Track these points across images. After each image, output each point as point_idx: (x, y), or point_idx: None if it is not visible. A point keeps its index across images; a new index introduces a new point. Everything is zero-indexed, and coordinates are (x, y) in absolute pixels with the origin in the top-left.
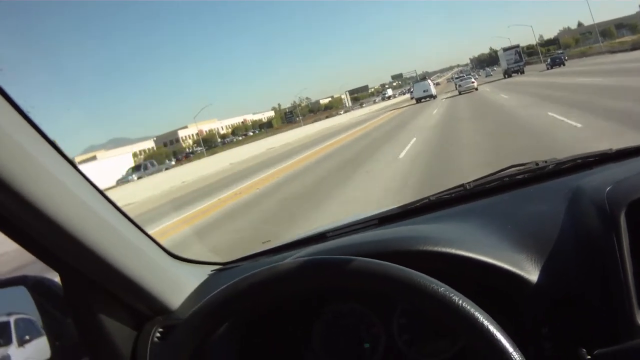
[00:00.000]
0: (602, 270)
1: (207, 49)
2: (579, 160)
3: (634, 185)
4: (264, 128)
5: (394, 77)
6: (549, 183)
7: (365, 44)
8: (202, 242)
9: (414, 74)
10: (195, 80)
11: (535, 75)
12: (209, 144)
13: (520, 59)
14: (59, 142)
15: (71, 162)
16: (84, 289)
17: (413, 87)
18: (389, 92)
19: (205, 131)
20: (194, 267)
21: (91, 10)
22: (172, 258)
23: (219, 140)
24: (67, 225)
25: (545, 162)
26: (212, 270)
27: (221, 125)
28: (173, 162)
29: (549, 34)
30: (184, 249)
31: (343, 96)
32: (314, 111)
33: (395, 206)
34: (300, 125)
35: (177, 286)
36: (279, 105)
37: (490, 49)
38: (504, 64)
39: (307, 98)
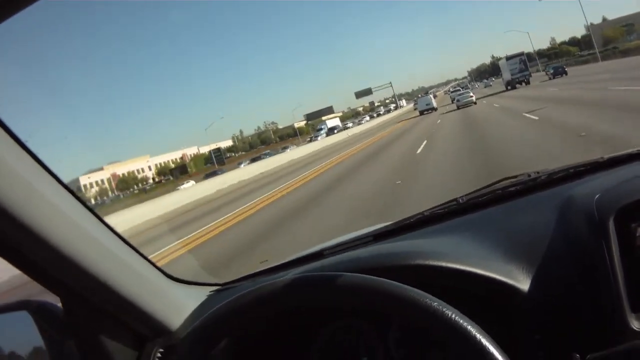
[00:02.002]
0: (593, 276)
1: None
2: (570, 170)
3: (622, 192)
4: (176, 174)
5: (360, 94)
6: (540, 194)
7: (353, 60)
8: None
9: (389, 88)
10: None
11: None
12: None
13: (526, 67)
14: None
15: (68, 189)
16: (85, 311)
17: (417, 101)
18: (330, 123)
19: (123, 174)
20: (193, 288)
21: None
22: (170, 280)
23: (111, 194)
24: (67, 250)
25: (538, 172)
26: (210, 291)
27: (152, 163)
28: None
29: (561, 37)
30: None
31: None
32: (268, 142)
33: (390, 222)
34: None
35: (177, 307)
36: (241, 132)
37: (492, 57)
38: (506, 75)
39: (273, 123)
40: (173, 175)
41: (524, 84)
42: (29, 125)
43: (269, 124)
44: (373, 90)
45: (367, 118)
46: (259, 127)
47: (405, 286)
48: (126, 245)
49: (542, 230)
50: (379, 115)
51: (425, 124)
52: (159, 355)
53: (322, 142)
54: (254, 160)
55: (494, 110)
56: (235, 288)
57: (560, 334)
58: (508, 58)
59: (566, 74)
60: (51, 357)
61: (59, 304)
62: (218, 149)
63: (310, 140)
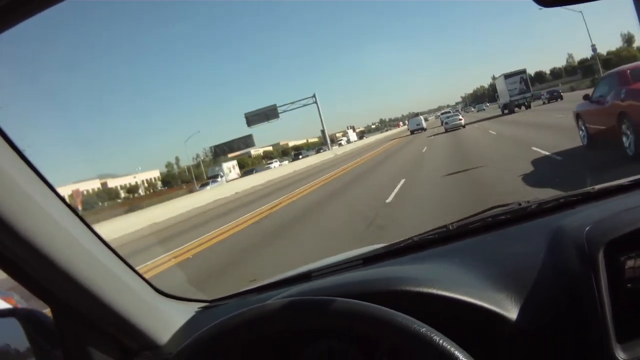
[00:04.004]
0: (581, 306)
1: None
2: (561, 200)
3: (612, 225)
4: None
5: (255, 119)
6: (531, 223)
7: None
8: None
9: (312, 101)
10: None
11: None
12: None
13: (527, 88)
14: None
15: (64, 200)
16: (74, 322)
17: (409, 122)
18: None
19: None
20: (181, 304)
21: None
22: (159, 294)
23: None
24: (60, 261)
25: (528, 202)
26: (198, 308)
27: None
28: None
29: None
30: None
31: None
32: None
33: (380, 246)
34: None
35: (164, 322)
36: (177, 159)
37: (493, 77)
38: (504, 96)
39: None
40: None
41: (523, 107)
42: None
43: (207, 152)
44: (280, 108)
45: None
46: (197, 155)
47: (394, 311)
48: (118, 259)
49: (531, 260)
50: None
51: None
52: None
53: None
54: None
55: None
56: (223, 306)
57: None
58: (507, 76)
59: (561, 98)
60: None
61: (49, 313)
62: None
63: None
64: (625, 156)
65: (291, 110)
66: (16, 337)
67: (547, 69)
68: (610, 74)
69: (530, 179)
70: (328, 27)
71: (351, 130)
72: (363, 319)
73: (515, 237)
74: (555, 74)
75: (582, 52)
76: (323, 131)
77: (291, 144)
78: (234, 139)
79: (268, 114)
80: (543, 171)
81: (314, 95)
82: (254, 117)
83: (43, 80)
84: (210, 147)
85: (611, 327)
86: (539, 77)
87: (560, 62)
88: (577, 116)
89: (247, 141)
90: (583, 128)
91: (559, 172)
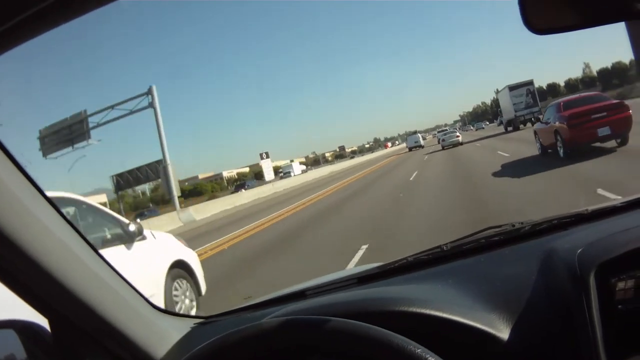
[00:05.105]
0: (573, 328)
1: None
2: (554, 221)
3: (604, 247)
4: None
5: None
6: (524, 244)
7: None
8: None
9: (146, 102)
10: None
11: None
12: None
13: (535, 102)
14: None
15: (63, 215)
16: (72, 335)
17: (407, 139)
18: None
19: None
20: (176, 319)
21: None
22: (156, 310)
23: None
24: (58, 275)
25: (522, 223)
26: (194, 324)
27: None
28: None
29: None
30: None
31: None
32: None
33: (374, 265)
34: None
35: (161, 338)
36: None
37: (496, 91)
38: (508, 112)
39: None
40: None
41: (529, 124)
42: None
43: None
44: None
45: None
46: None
47: (389, 332)
48: (115, 274)
49: (524, 281)
50: None
51: None
52: None
53: None
54: None
55: None
56: (218, 322)
57: None
58: (511, 88)
59: None
60: None
61: (47, 326)
62: None
63: None
64: (559, 158)
65: (108, 123)
66: (14, 348)
67: (561, 81)
68: (553, 103)
69: (497, 171)
70: (321, 44)
71: (267, 161)
72: (359, 339)
73: (509, 258)
74: (571, 86)
75: (601, 62)
76: (164, 167)
77: (274, 164)
78: (141, 166)
79: (72, 131)
80: (505, 166)
81: (148, 92)
82: (53, 138)
83: None
84: (111, 177)
85: (602, 348)
86: (552, 89)
87: (576, 73)
88: (535, 133)
89: (158, 168)
90: (538, 141)
91: (515, 166)
